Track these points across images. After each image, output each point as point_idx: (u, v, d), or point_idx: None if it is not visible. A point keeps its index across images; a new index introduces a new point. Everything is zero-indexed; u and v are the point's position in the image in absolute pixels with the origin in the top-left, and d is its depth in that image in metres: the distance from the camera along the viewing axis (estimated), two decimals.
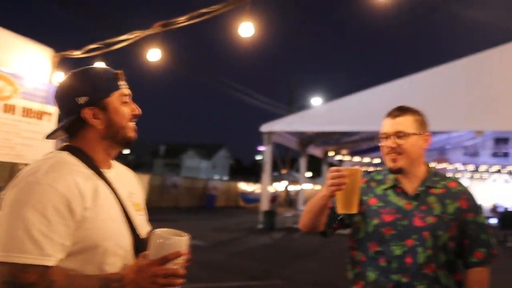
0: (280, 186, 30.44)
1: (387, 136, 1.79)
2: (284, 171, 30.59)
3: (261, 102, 27.42)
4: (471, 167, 24.95)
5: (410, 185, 1.79)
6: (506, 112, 12.86)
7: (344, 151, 22.08)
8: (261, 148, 16.53)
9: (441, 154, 23.98)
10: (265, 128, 15.19)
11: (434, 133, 18.21)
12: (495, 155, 23.15)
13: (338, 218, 1.86)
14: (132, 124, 1.37)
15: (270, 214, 14.88)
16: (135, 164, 46.43)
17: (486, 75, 13.34)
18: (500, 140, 23.30)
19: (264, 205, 15.23)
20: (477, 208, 1.80)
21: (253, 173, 48.50)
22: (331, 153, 21.50)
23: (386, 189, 1.83)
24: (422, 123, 1.83)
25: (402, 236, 1.70)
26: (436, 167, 16.42)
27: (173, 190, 23.89)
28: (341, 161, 23.48)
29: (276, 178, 29.64)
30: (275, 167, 27.76)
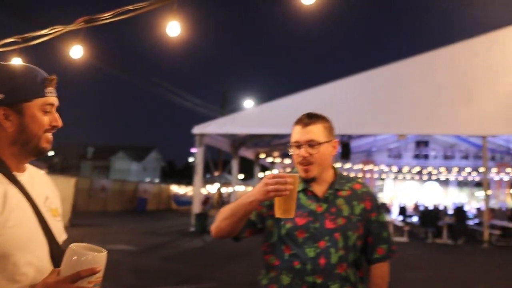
0: (212, 189, 30.34)
1: (299, 145, 1.80)
2: (216, 173, 30.53)
3: (194, 104, 27.17)
4: (395, 168, 26.28)
5: (320, 189, 1.83)
6: (426, 117, 13.71)
7: (275, 153, 22.40)
8: (193, 150, 16.37)
9: (368, 156, 25.04)
10: (197, 130, 15.07)
11: (362, 136, 19.04)
12: (416, 157, 24.50)
13: (251, 223, 1.84)
14: (48, 135, 1.26)
15: (202, 217, 14.76)
16: (61, 167, 44.23)
17: (409, 82, 14.12)
18: (421, 143, 24.70)
19: (196, 208, 15.09)
20: (379, 208, 1.92)
21: (185, 175, 47.96)
22: (262, 155, 21.75)
23: (297, 193, 1.81)
24: (330, 130, 1.86)
25: (315, 238, 1.74)
26: (364, 169, 17.22)
27: (101, 193, 23.05)
28: (272, 163, 23.81)
29: (209, 181, 29.51)
30: (208, 169, 27.70)
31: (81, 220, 15.88)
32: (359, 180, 2.00)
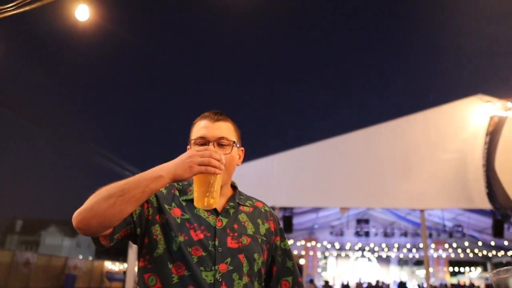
0: None
1: (205, 143, 1.46)
2: None
3: (132, 174, 26.25)
4: (337, 245, 26.18)
5: (218, 201, 1.43)
6: (367, 190, 13.88)
7: None
8: None
9: (310, 233, 24.84)
10: None
11: (304, 213, 18.94)
12: (357, 234, 24.55)
13: (130, 221, 1.37)
14: None
15: None
16: None
17: (350, 156, 14.40)
18: (362, 221, 24.92)
19: (129, 284, 13.99)
20: (282, 233, 1.63)
21: (123, 252, 45.41)
22: None
23: (188, 200, 1.46)
24: (239, 134, 1.58)
25: (213, 260, 1.36)
26: (306, 245, 16.91)
27: (24, 268, 20.98)
28: None
29: None
30: None
31: None
32: (259, 199, 1.69)
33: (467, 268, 38.22)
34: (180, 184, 1.52)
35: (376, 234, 24.58)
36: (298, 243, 25.48)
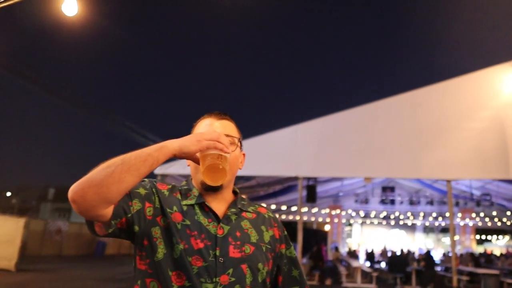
0: None
1: None
2: None
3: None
4: (362, 213, 26.17)
5: (218, 207, 1.40)
6: (392, 160, 13.66)
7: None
8: None
9: (335, 201, 24.83)
10: (158, 170, 14.51)
11: (328, 181, 18.85)
12: (383, 202, 24.41)
13: (126, 212, 1.27)
14: None
15: None
16: (18, 209, 42.18)
17: (374, 126, 14.14)
18: (387, 188, 24.70)
19: None
20: (288, 240, 1.53)
21: None
22: None
23: (189, 205, 1.39)
24: (241, 139, 1.49)
25: (214, 271, 1.28)
26: (331, 213, 16.85)
27: (56, 236, 21.79)
28: None
29: None
30: None
31: (31, 264, 14.83)
32: (262, 204, 1.60)
33: (494, 236, 37.80)
34: (180, 187, 1.45)
35: (401, 202, 24.39)
36: (323, 211, 25.53)
